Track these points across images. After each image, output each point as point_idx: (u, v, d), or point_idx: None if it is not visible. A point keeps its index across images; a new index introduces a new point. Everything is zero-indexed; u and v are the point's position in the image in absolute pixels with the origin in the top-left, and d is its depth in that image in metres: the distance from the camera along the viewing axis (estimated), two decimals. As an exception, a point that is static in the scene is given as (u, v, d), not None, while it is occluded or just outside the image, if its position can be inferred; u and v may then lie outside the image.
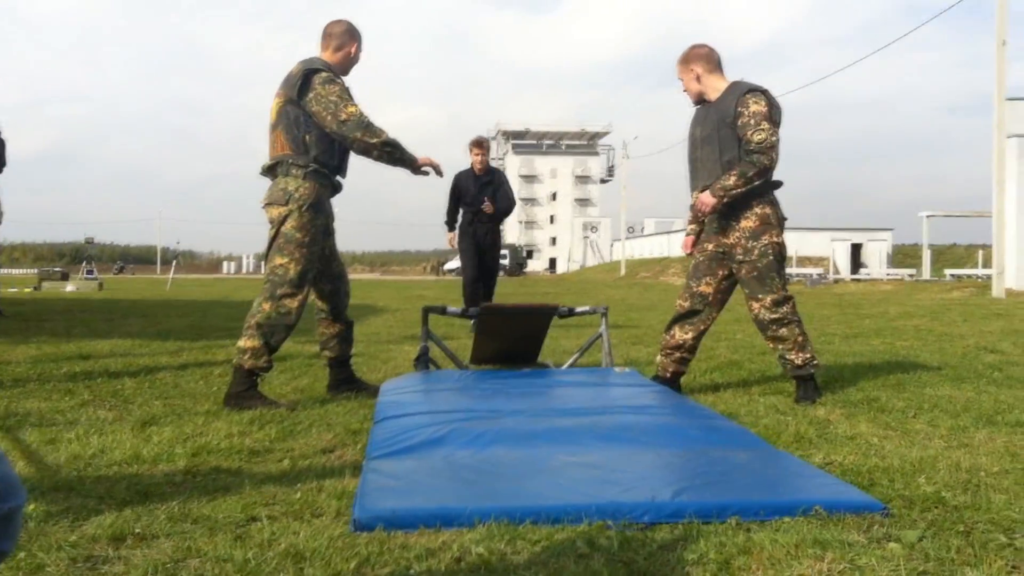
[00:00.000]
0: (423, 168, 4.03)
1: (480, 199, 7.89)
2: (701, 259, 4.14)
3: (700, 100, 4.12)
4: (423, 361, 4.67)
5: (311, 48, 4.00)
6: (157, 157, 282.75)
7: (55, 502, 2.23)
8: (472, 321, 5.68)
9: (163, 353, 5.92)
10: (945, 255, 55.83)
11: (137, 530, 2.01)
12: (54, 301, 14.03)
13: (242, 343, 3.78)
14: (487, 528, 2.00)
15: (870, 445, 2.98)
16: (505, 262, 59.97)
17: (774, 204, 4.01)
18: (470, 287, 8.04)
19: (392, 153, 3.87)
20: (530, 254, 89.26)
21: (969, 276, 31.89)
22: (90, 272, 23.27)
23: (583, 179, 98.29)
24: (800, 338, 3.97)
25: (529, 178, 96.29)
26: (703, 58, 4.07)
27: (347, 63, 4.02)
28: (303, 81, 3.77)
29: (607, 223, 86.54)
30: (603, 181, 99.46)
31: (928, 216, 35.57)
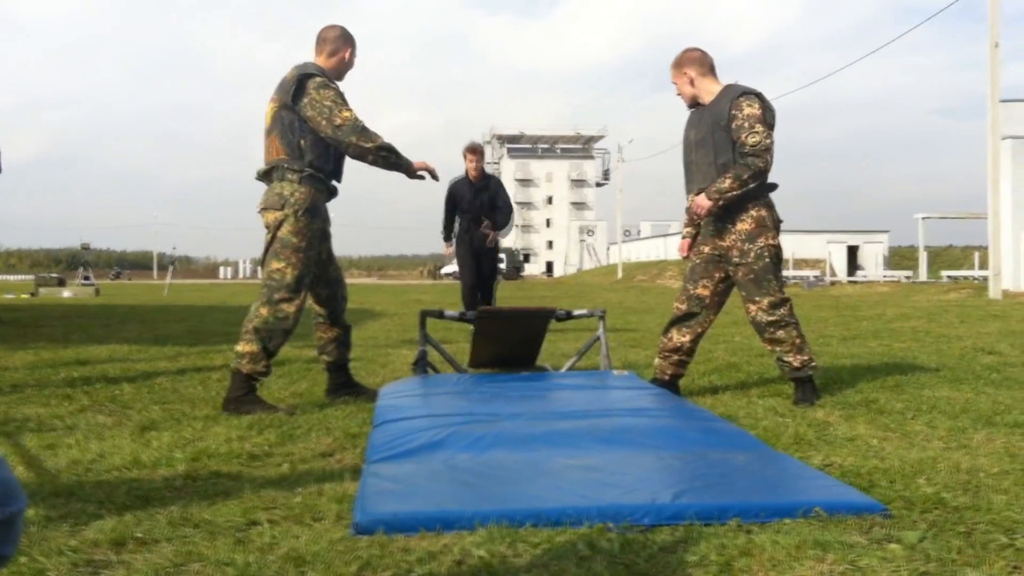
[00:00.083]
0: (419, 172, 4.03)
1: (476, 205, 7.83)
2: (698, 262, 4.14)
3: (694, 103, 4.13)
4: (421, 365, 4.67)
5: (307, 52, 4.01)
6: (153, 162, 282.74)
7: (55, 507, 2.22)
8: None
9: (161, 358, 5.91)
10: (941, 257, 55.93)
11: (138, 534, 2.01)
12: (51, 307, 14.01)
13: (240, 348, 3.78)
14: (488, 531, 2.00)
15: (869, 446, 2.99)
16: (502, 266, 59.99)
17: (770, 207, 4.02)
18: (468, 295, 7.99)
19: (387, 157, 3.87)
20: (527, 258, 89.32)
21: (966, 278, 31.92)
22: (87, 278, 23.21)
23: (579, 183, 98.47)
24: (798, 340, 3.98)
25: (525, 182, 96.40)
26: (696, 62, 4.08)
27: (341, 68, 4.02)
28: (297, 86, 3.77)
29: (603, 226, 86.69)
30: (599, 185, 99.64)
31: (924, 218, 35.63)
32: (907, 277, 34.75)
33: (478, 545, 1.92)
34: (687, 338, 4.16)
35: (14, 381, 4.64)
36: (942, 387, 4.38)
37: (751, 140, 3.80)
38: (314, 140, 3.81)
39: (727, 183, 3.83)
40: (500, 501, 2.20)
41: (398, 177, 4.04)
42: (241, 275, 79.69)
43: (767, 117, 3.89)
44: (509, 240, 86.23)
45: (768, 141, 3.83)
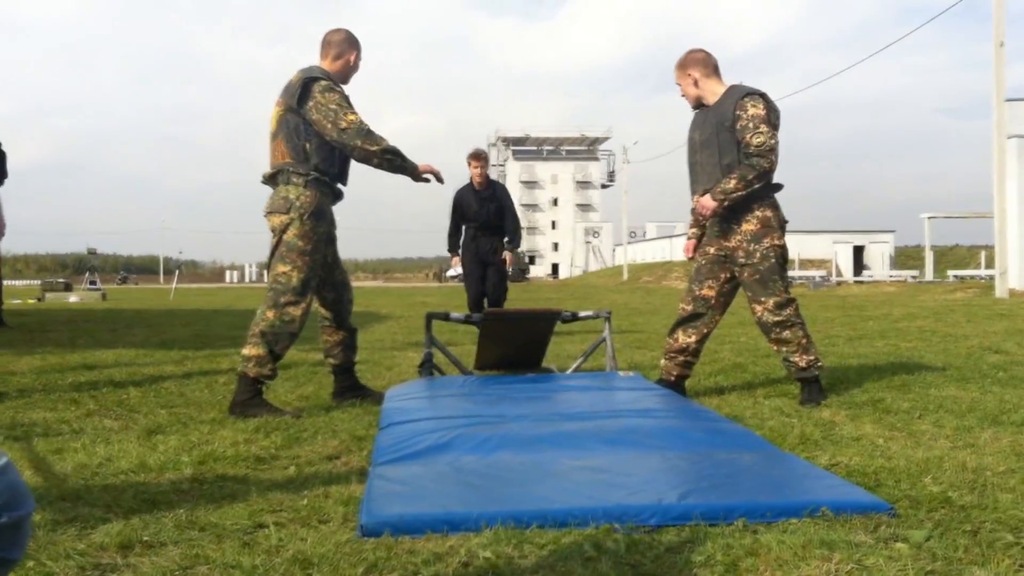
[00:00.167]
0: (424, 175, 4.04)
1: (483, 214, 7.64)
2: (703, 263, 4.14)
3: (698, 104, 4.13)
4: (427, 367, 4.68)
5: (314, 56, 4.02)
6: (158, 166, 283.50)
7: (63, 511, 2.23)
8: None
9: (167, 362, 5.93)
10: (947, 256, 55.76)
11: (145, 538, 2.02)
12: (58, 312, 14.06)
13: (246, 351, 3.79)
14: (494, 532, 2.00)
15: (875, 446, 2.98)
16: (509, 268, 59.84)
17: (775, 207, 4.01)
18: (474, 307, 7.76)
19: (393, 160, 3.88)
20: (532, 260, 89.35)
21: (972, 277, 31.85)
22: (93, 283, 23.30)
23: (584, 184, 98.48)
24: (804, 340, 3.97)
25: (530, 184, 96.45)
26: (700, 63, 4.08)
27: (346, 71, 4.03)
28: (303, 90, 3.78)
29: (609, 228, 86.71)
30: (604, 186, 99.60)
31: (930, 218, 35.56)
32: (913, 277, 34.68)
33: (484, 547, 1.92)
34: (693, 339, 4.16)
35: (21, 386, 4.66)
36: (948, 386, 4.36)
37: (756, 140, 3.80)
38: (319, 143, 3.82)
39: (732, 184, 3.83)
40: (506, 502, 2.21)
41: (403, 180, 4.04)
42: (247, 279, 79.93)
43: (771, 117, 3.89)
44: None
45: (773, 141, 3.83)
